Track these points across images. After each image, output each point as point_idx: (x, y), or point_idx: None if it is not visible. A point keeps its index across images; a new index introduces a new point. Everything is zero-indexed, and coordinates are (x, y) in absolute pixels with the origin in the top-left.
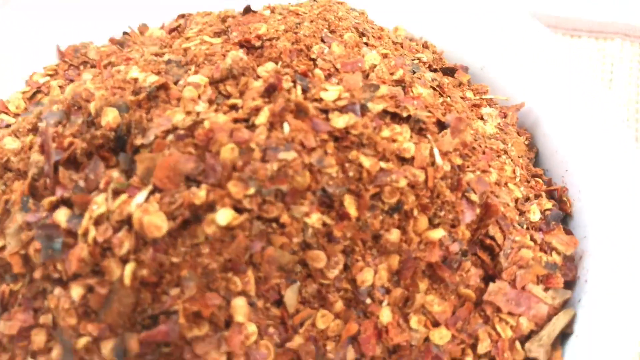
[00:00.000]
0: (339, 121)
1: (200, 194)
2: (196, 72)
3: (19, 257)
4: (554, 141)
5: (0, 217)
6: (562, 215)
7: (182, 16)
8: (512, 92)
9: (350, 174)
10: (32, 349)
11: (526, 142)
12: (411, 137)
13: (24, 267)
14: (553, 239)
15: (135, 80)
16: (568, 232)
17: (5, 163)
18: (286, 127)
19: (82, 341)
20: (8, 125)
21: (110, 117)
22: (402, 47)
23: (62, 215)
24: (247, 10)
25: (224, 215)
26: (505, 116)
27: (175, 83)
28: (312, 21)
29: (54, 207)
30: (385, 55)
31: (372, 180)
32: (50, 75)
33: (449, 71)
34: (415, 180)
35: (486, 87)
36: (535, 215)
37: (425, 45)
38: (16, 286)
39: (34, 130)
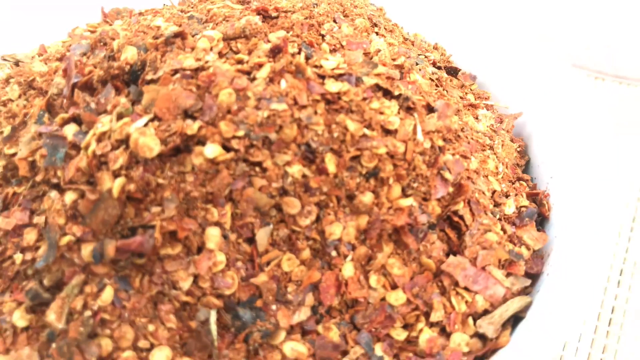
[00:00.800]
0: (333, 86)
1: (193, 126)
2: (213, 29)
3: (27, 163)
4: (543, 152)
5: (17, 127)
6: (536, 212)
7: None
8: (511, 102)
9: (335, 134)
10: (22, 245)
11: (518, 149)
12: (398, 112)
13: (30, 172)
14: (524, 233)
15: (158, 27)
16: (541, 231)
17: (30, 82)
18: (283, 83)
19: (66, 239)
20: None
21: (129, 54)
22: (412, 44)
23: (70, 130)
24: None
25: (212, 150)
26: (501, 122)
27: (193, 36)
28: (329, 4)
29: (65, 122)
30: (391, 44)
31: (354, 143)
32: (91, 32)
33: (453, 71)
34: (395, 151)
35: (488, 93)
36: (510, 209)
37: (436, 47)
38: (19, 189)
39: (61, 59)
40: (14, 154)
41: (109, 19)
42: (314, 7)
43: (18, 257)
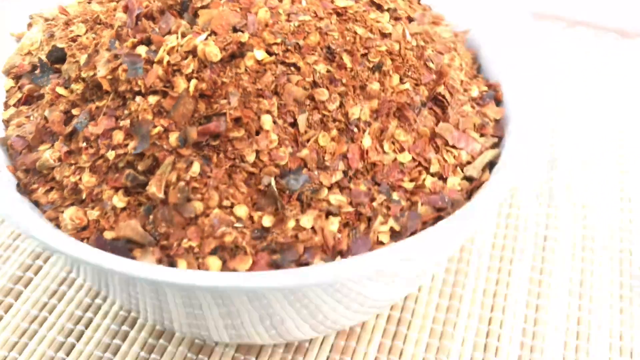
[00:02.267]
0: (341, 2)
1: (244, 36)
2: None
3: (107, 80)
4: (492, 56)
5: (91, 54)
6: (494, 95)
7: None
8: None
9: (347, 38)
10: (112, 144)
11: (472, 56)
12: (389, 20)
13: (110, 86)
14: (487, 110)
15: None
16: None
17: (95, 19)
18: (303, 2)
19: (156, 130)
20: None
21: None
22: None
23: (142, 49)
24: None
25: (260, 54)
26: (456, 35)
27: None
28: None
29: (134, 45)
30: None
31: (362, 44)
32: None
33: None
34: (392, 48)
35: (442, 16)
36: (474, 93)
37: None
38: (101, 103)
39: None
40: (94, 75)
41: None
42: None
43: (111, 154)
